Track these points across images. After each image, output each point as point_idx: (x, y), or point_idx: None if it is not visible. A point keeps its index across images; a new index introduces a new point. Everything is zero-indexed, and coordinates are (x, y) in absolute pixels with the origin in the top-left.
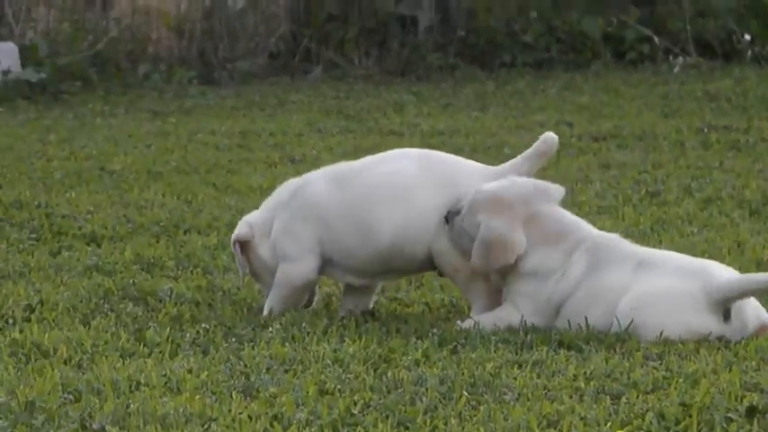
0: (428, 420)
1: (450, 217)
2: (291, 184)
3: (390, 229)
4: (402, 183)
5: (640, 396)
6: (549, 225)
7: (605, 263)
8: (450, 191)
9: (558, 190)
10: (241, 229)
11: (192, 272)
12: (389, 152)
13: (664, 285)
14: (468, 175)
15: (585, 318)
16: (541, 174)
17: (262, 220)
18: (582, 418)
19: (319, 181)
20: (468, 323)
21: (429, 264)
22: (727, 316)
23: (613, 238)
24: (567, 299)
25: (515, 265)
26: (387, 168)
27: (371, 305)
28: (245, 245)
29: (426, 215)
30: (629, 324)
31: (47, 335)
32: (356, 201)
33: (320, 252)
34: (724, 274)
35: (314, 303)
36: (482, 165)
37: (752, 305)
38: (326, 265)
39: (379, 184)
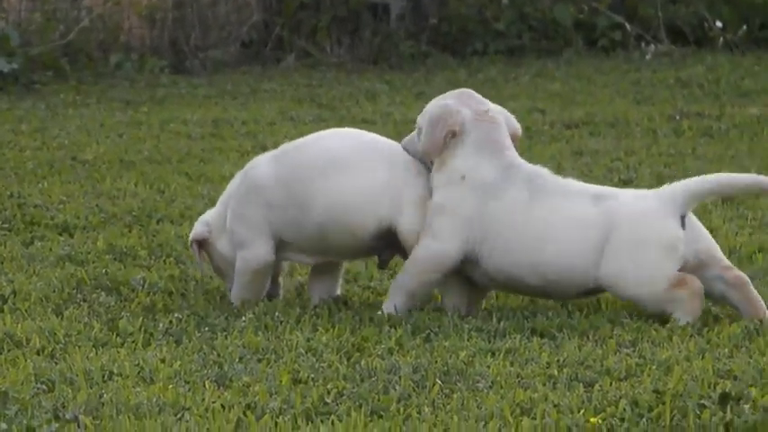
0: (401, 409)
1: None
2: (238, 174)
3: (325, 202)
4: (340, 157)
5: (614, 383)
6: (494, 133)
7: (553, 194)
8: (392, 167)
9: (517, 126)
10: (197, 228)
11: (164, 261)
12: (329, 130)
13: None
14: (403, 154)
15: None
16: None
17: (217, 215)
18: (555, 406)
19: (261, 163)
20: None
21: (376, 243)
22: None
23: (546, 170)
24: (501, 223)
25: (444, 166)
26: (325, 144)
27: (338, 291)
28: (203, 243)
29: (368, 189)
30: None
31: (19, 325)
32: (294, 175)
33: (271, 233)
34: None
35: (280, 296)
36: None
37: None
38: (279, 247)
39: (317, 156)
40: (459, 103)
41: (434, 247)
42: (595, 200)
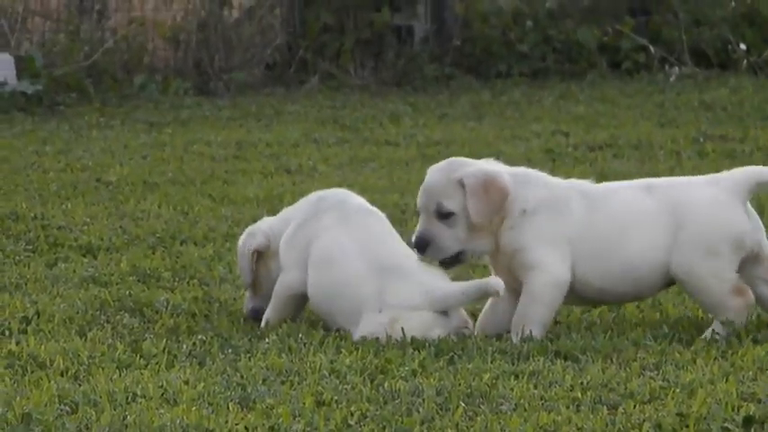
0: (425, 431)
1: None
2: (313, 195)
3: (312, 282)
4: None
5: (637, 406)
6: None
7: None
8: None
9: None
10: (258, 238)
11: (188, 283)
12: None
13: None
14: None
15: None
16: None
17: (278, 231)
18: (579, 429)
19: (332, 206)
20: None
21: None
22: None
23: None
24: (580, 236)
25: (512, 212)
26: (346, 239)
27: None
28: (260, 254)
29: (348, 296)
30: None
31: (43, 346)
32: (325, 240)
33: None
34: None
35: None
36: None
37: None
38: None
39: (342, 239)
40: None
41: (551, 276)
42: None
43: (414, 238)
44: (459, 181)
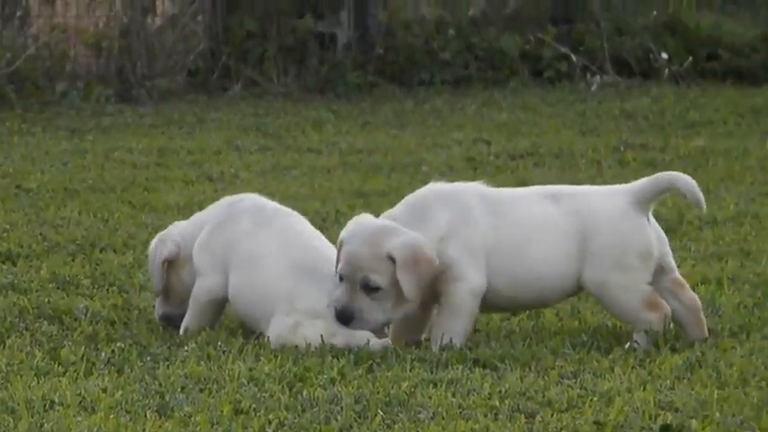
0: None
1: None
2: (224, 200)
3: (235, 281)
4: (260, 253)
5: (555, 414)
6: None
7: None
8: (290, 285)
9: None
10: (168, 247)
11: (107, 290)
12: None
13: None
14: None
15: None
16: None
17: (190, 237)
18: None
19: (246, 208)
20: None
21: None
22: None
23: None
24: (489, 246)
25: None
26: (278, 235)
27: None
28: (170, 263)
29: (264, 295)
30: None
31: None
32: (244, 248)
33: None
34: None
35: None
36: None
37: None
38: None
39: (266, 240)
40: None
41: (473, 286)
42: (554, 199)
43: (337, 310)
44: (387, 255)
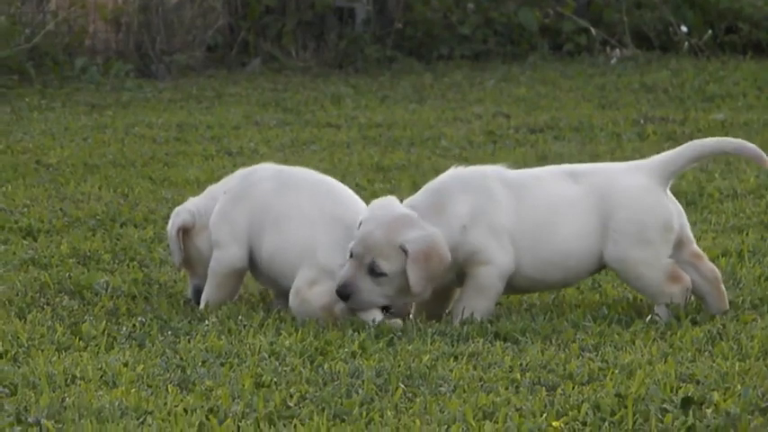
0: (364, 413)
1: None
2: (239, 172)
3: (268, 246)
4: (295, 208)
5: (576, 387)
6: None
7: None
8: (313, 238)
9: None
10: (182, 216)
11: (128, 265)
12: (325, 182)
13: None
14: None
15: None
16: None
17: (204, 207)
18: (518, 410)
19: (267, 171)
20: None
21: None
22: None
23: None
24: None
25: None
26: (299, 192)
27: None
28: (185, 232)
29: (289, 249)
30: None
31: None
32: (269, 211)
33: (247, 243)
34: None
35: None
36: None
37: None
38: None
39: (289, 198)
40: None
41: (502, 268)
42: (573, 178)
43: (338, 284)
44: (401, 246)
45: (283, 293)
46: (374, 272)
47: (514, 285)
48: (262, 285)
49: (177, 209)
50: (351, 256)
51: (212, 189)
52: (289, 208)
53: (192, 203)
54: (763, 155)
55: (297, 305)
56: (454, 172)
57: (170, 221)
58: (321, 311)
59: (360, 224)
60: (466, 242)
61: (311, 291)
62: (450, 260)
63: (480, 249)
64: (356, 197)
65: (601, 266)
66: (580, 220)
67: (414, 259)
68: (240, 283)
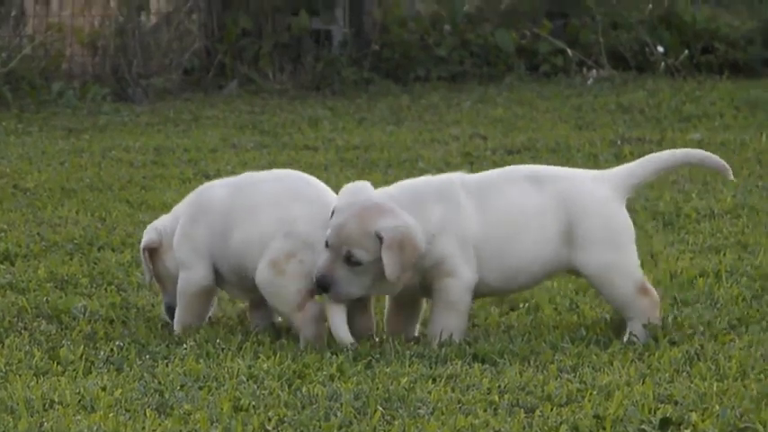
0: None
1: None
2: (195, 191)
3: (235, 244)
4: (258, 199)
5: (554, 409)
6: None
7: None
8: (281, 214)
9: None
10: (149, 235)
11: (105, 289)
12: (280, 172)
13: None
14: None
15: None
16: None
17: (170, 226)
18: None
19: (216, 186)
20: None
21: None
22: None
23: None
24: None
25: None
26: (259, 187)
27: (277, 318)
28: (152, 251)
29: (259, 240)
30: None
31: None
32: (230, 209)
33: (210, 258)
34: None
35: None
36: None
37: None
38: (218, 278)
39: (248, 196)
40: (375, 214)
41: (467, 281)
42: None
43: (316, 275)
44: (376, 233)
45: (259, 303)
46: (350, 261)
47: (481, 292)
48: (235, 297)
49: (148, 227)
50: (326, 246)
51: (176, 208)
52: (252, 201)
53: (161, 221)
54: (727, 166)
55: (269, 279)
56: (427, 179)
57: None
58: (294, 296)
59: (333, 212)
60: (434, 250)
61: (288, 264)
62: (423, 249)
63: (446, 259)
64: (323, 184)
65: (567, 270)
66: (545, 227)
67: (388, 246)
68: (210, 301)
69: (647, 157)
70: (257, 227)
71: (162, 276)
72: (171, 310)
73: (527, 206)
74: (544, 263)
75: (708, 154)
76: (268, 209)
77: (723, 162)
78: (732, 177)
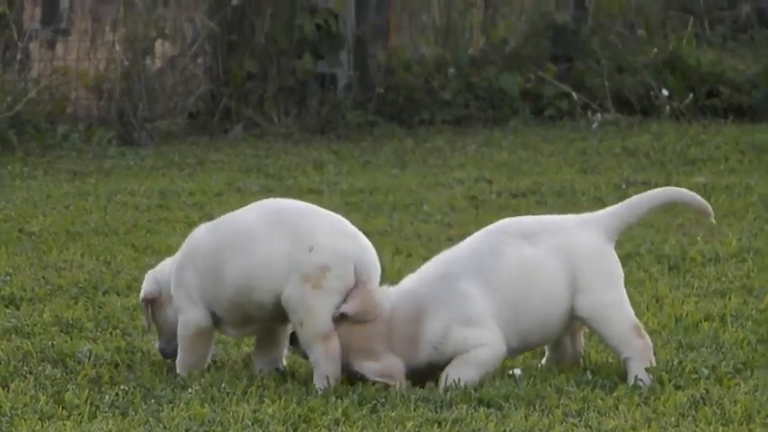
0: None
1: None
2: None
3: (233, 278)
4: (247, 231)
5: None
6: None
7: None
8: (294, 236)
9: None
10: (149, 286)
11: (111, 333)
12: (258, 202)
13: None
14: (317, 225)
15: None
16: (461, 232)
17: (169, 276)
18: None
19: (201, 230)
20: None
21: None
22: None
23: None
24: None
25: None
26: (242, 218)
27: (283, 363)
28: (152, 301)
29: (266, 263)
30: None
31: None
32: (218, 247)
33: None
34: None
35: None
36: (336, 216)
37: None
38: (214, 319)
39: (231, 232)
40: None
41: (492, 348)
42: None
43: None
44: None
45: (264, 344)
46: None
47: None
48: (235, 336)
49: (148, 274)
50: None
51: (176, 254)
52: (239, 232)
53: (159, 270)
54: (709, 208)
55: (301, 294)
56: (423, 277)
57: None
58: (327, 320)
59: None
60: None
61: (325, 278)
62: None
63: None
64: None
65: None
66: (550, 281)
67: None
68: (209, 345)
69: (630, 198)
70: (256, 257)
71: (160, 324)
72: (164, 355)
73: (529, 263)
74: (556, 317)
75: (690, 193)
76: (267, 240)
77: (705, 203)
78: (713, 221)
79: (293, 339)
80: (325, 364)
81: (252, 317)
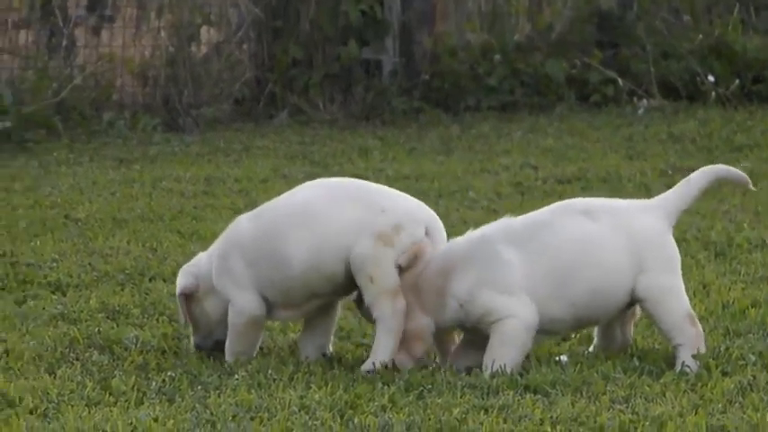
0: None
1: None
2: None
3: (302, 254)
4: (310, 207)
5: None
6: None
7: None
8: (363, 203)
9: None
10: (186, 280)
11: (157, 319)
12: (302, 185)
13: None
14: (383, 193)
15: None
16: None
17: (206, 270)
18: None
19: (242, 221)
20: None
21: (352, 283)
22: None
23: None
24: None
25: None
26: (296, 198)
27: (330, 348)
28: (189, 296)
29: (339, 232)
30: None
31: (12, 384)
32: (267, 232)
33: (255, 288)
34: None
35: None
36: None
37: None
38: (267, 307)
39: (287, 213)
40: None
41: (521, 321)
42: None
43: None
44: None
45: (314, 329)
46: None
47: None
48: (290, 320)
49: (184, 267)
50: None
51: (212, 247)
52: (295, 214)
53: (195, 264)
54: (747, 177)
55: (373, 251)
56: (462, 239)
57: (177, 280)
58: (396, 274)
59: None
60: (473, 310)
61: (399, 235)
62: None
63: (492, 311)
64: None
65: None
66: (611, 256)
67: None
68: (260, 332)
69: (678, 184)
70: (327, 226)
71: (196, 318)
72: (199, 348)
73: (586, 235)
74: (615, 293)
75: (728, 167)
76: (334, 204)
77: (743, 174)
78: (752, 187)
79: (359, 301)
80: (390, 318)
81: (317, 293)
